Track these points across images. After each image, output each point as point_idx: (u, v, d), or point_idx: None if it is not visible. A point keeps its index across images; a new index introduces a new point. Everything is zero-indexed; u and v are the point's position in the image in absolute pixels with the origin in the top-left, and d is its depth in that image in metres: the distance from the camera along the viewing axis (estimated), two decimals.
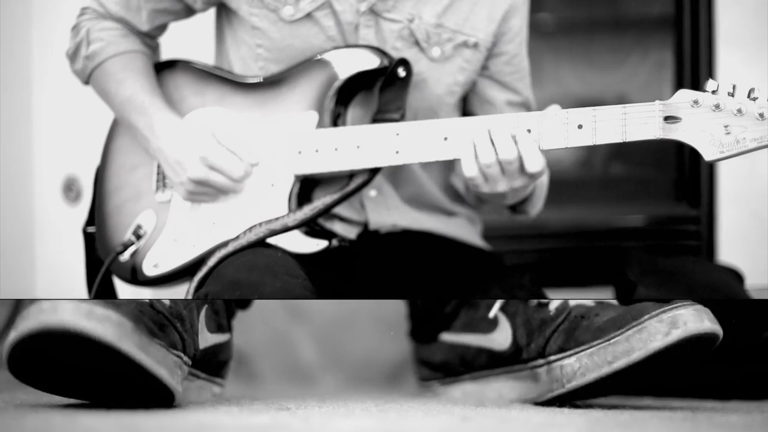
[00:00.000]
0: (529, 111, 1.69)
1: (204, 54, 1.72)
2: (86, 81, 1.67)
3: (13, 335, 1.18)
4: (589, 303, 1.45)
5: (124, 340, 1.17)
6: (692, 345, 1.33)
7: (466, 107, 1.69)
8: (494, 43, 1.63)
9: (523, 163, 1.44)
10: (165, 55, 1.72)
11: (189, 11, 1.66)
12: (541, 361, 1.45)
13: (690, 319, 1.32)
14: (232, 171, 1.55)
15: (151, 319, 1.27)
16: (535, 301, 1.48)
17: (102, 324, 1.16)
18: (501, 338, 1.51)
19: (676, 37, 2.25)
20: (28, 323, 1.16)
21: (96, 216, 1.70)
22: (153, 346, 1.23)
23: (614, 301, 1.48)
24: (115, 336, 1.16)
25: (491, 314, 1.52)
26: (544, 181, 1.66)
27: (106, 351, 1.17)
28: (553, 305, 1.46)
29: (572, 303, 1.45)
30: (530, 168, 1.44)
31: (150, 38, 1.68)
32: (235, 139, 1.57)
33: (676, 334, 1.32)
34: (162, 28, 1.69)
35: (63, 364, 1.21)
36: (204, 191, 1.56)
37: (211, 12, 1.69)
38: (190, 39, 1.77)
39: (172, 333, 1.30)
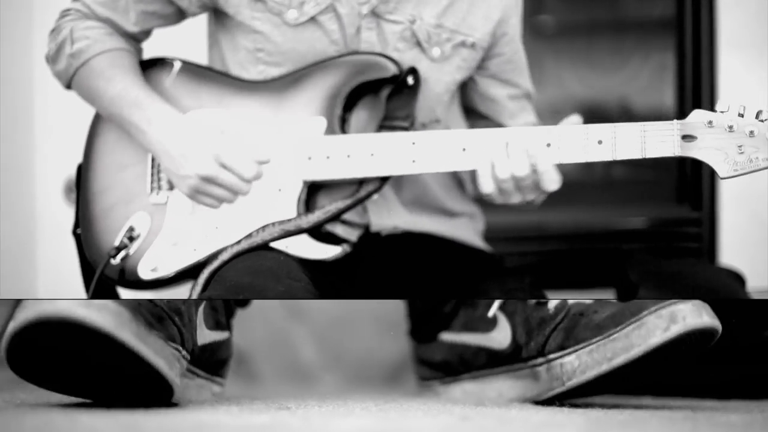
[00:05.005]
0: (530, 101, 1.72)
1: (193, 58, 1.68)
2: (68, 82, 1.62)
3: (12, 326, 1.19)
4: (588, 301, 1.46)
5: (122, 329, 1.18)
6: (691, 340, 1.34)
7: (469, 105, 1.70)
8: (492, 44, 1.64)
9: (540, 181, 1.48)
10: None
11: (180, 15, 1.63)
12: (540, 360, 1.45)
13: (689, 314, 1.34)
14: (243, 171, 1.51)
15: (149, 311, 1.27)
16: (533, 300, 1.48)
17: (100, 312, 1.17)
18: (500, 337, 1.51)
19: (677, 39, 2.25)
20: (26, 314, 1.17)
21: (82, 218, 1.64)
22: (151, 337, 1.23)
23: (612, 299, 1.48)
24: (113, 325, 1.17)
25: (490, 313, 1.52)
26: None
27: (104, 340, 1.17)
28: (552, 304, 1.46)
29: (571, 301, 1.46)
30: (547, 187, 1.48)
31: (135, 40, 1.64)
32: (244, 139, 1.56)
33: (675, 329, 1.33)
34: (148, 33, 1.65)
35: (61, 355, 1.21)
36: (208, 191, 1.52)
37: (202, 17, 1.66)
38: (180, 43, 1.73)
39: (170, 326, 1.30)
